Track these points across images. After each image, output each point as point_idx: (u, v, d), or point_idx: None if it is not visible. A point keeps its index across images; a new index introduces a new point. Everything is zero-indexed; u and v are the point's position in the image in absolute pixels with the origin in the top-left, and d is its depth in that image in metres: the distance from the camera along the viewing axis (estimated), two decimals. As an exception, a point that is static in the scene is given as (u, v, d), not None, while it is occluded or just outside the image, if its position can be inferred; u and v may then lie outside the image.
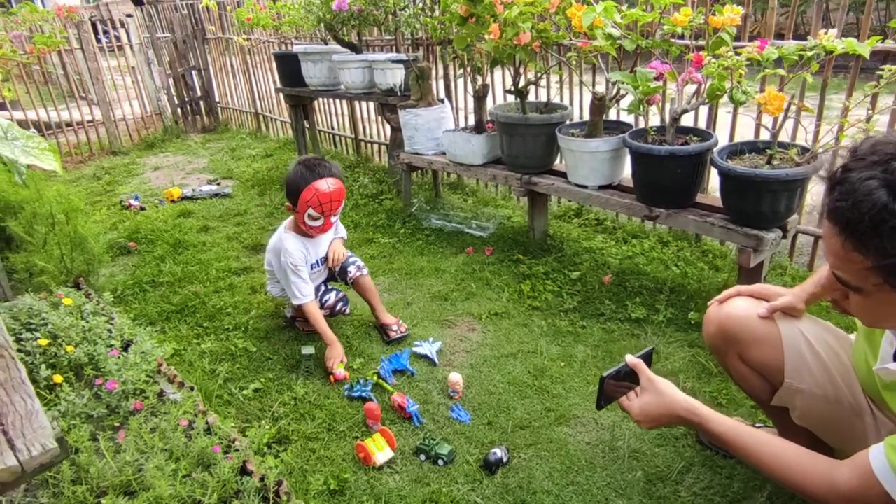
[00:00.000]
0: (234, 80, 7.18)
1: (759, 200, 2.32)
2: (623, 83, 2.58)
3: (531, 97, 3.32)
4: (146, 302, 3.15)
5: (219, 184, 5.33)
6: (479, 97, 3.47)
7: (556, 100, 3.51)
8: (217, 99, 7.63)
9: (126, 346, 2.47)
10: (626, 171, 2.87)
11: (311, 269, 2.67)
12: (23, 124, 6.47)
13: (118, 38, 7.32)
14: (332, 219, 2.60)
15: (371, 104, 5.01)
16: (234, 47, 6.79)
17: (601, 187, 2.95)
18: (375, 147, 5.36)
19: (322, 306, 2.68)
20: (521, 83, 3.13)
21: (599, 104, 2.84)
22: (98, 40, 7.11)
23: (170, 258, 3.65)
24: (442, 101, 3.80)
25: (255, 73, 6.68)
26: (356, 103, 5.28)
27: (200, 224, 4.24)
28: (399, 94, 4.02)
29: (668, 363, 2.36)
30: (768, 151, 2.42)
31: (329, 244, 2.75)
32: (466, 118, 4.41)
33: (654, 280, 2.90)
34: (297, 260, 2.55)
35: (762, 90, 2.65)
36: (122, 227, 4.27)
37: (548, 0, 2.67)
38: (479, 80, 3.69)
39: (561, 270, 3.09)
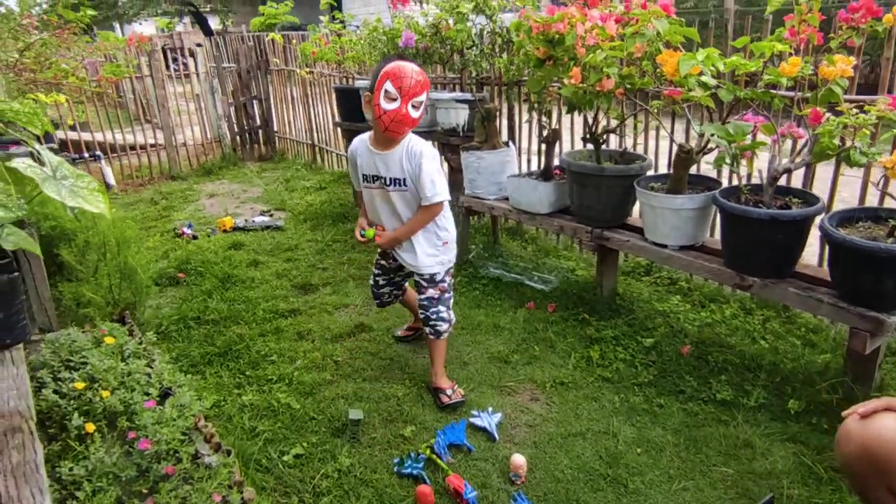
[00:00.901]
0: (293, 111, 7.22)
1: (880, 278, 2.01)
2: (716, 136, 2.33)
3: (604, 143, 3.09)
4: (190, 340, 3.02)
5: (271, 215, 5.27)
6: (549, 142, 3.26)
7: (631, 148, 3.27)
8: (275, 128, 7.69)
9: (164, 396, 2.31)
10: (711, 232, 2.59)
11: (364, 179, 2.43)
12: (90, 146, 6.64)
13: (186, 66, 7.50)
14: (412, 112, 2.20)
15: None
16: (296, 79, 6.83)
17: (683, 248, 2.67)
18: (431, 185, 5.20)
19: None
20: (597, 130, 2.91)
21: (686, 158, 2.59)
22: (167, 67, 7.31)
23: (217, 293, 3.54)
24: (507, 144, 3.61)
25: (314, 105, 6.69)
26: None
27: (250, 258, 4.13)
28: (461, 134, 3.86)
29: (765, 462, 2.04)
30: (891, 221, 2.11)
31: (398, 165, 2.29)
32: (529, 161, 4.20)
33: (740, 355, 2.59)
34: (351, 152, 2.48)
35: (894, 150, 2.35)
36: (174, 255, 4.21)
37: (632, 44, 2.46)
38: (549, 124, 3.50)
39: (633, 336, 2.80)
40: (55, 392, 2.27)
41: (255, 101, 7.52)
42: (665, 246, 2.69)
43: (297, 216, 5.11)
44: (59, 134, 6.83)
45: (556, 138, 3.28)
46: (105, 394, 2.24)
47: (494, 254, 3.84)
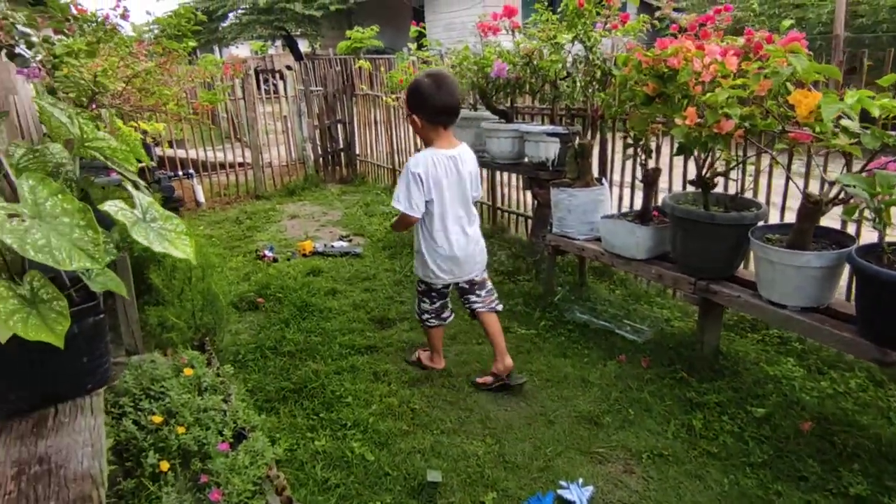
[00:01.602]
0: (376, 135, 7.27)
1: None
2: (855, 188, 2.03)
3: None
4: (266, 372, 2.97)
5: (350, 240, 5.25)
6: (648, 182, 3.02)
7: (741, 193, 2.98)
8: (357, 152, 7.78)
9: (238, 437, 2.24)
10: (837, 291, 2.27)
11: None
12: (185, 164, 6.93)
13: (276, 88, 7.75)
14: None
15: (513, 174, 4.70)
16: (380, 104, 6.88)
17: (805, 310, 2.36)
18: (513, 218, 5.03)
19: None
20: (708, 174, 2.65)
21: (814, 209, 2.29)
22: (259, 88, 7.59)
23: (294, 323, 3.49)
24: (600, 181, 3.39)
25: (396, 130, 6.71)
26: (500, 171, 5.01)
27: (329, 286, 4.09)
28: (551, 168, 3.68)
29: (918, 582, 1.71)
30: None
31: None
32: (620, 200, 3.96)
33: (875, 439, 2.23)
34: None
35: None
36: (254, 279, 4.24)
37: (757, 81, 2.21)
38: (648, 163, 3.26)
39: (740, 403, 2.50)
40: (134, 422, 2.25)
41: (339, 125, 7.64)
42: (784, 306, 2.39)
43: (375, 243, 5.07)
44: (158, 151, 7.21)
45: (657, 178, 3.03)
46: (181, 430, 2.18)
47: (581, 297, 3.61)
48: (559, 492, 2.07)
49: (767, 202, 3.11)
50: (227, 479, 1.88)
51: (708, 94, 2.23)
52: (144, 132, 2.82)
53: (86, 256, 1.14)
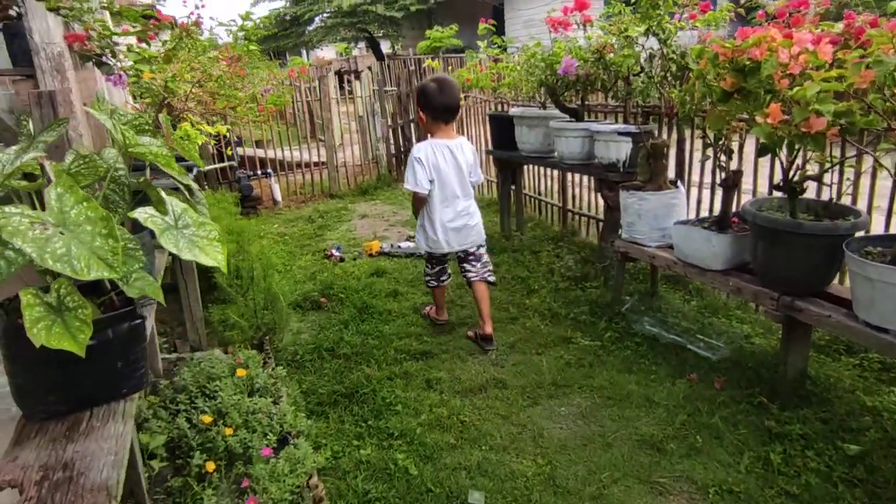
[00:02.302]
0: (448, 135, 7.22)
1: None
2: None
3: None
4: (321, 374, 2.96)
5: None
6: (728, 186, 2.76)
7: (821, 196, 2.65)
8: (430, 151, 7.76)
9: (282, 441, 2.24)
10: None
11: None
12: (264, 163, 7.17)
13: (351, 89, 7.88)
14: None
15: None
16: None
17: (912, 335, 2.05)
18: (584, 220, 4.82)
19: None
20: (795, 178, 2.37)
21: (924, 219, 1.98)
22: (342, 88, 7.75)
23: (353, 324, 3.49)
24: (675, 184, 3.15)
25: (468, 130, 6.62)
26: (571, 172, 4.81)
27: (391, 287, 4.07)
28: (622, 170, 3.46)
29: None
30: None
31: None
32: (699, 205, 3.67)
33: None
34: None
35: None
36: (320, 278, 4.29)
37: (857, 72, 1.93)
38: (728, 164, 2.98)
39: (829, 437, 2.22)
40: (187, 420, 2.30)
41: (412, 124, 7.66)
42: (886, 330, 2.09)
43: (441, 244, 5.00)
44: (239, 151, 7.52)
45: (738, 182, 2.76)
46: (228, 431, 2.20)
47: (652, 307, 3.37)
48: (612, 524, 1.91)
49: (869, 210, 2.77)
50: (264, 486, 1.87)
51: (796, 89, 1.98)
52: (211, 135, 2.88)
53: (104, 265, 1.13)
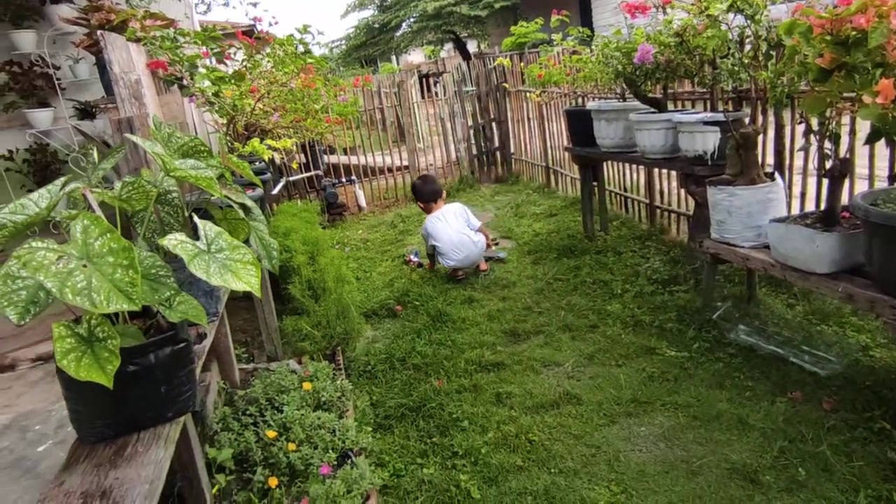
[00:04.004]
0: (529, 133, 7.03)
1: None
2: None
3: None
4: (391, 386, 2.93)
5: (497, 244, 5.09)
6: (835, 177, 2.41)
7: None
8: (511, 150, 7.60)
9: (343, 457, 2.20)
10: None
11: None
12: (349, 170, 7.34)
13: (437, 91, 7.88)
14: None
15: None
16: (531, 101, 6.62)
17: None
18: (673, 217, 4.47)
19: None
20: (918, 164, 2.01)
21: None
22: (429, 91, 7.76)
23: (426, 333, 3.43)
24: (771, 176, 2.81)
25: (548, 126, 6.40)
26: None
27: (466, 294, 3.98)
28: (710, 162, 3.15)
29: None
30: None
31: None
32: (803, 198, 3.27)
33: None
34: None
35: None
36: (397, 285, 4.28)
37: None
38: (836, 153, 2.61)
39: (970, 473, 1.86)
40: (255, 433, 2.33)
41: (493, 124, 7.53)
42: None
43: (521, 247, 4.85)
44: (334, 159, 7.75)
45: (846, 171, 2.41)
46: (291, 447, 2.20)
47: (748, 313, 3.04)
48: (693, 568, 1.69)
49: None
50: (319, 509, 1.84)
51: (912, 61, 1.67)
52: (276, 149, 2.92)
53: (123, 297, 1.12)
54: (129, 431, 1.44)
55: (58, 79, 4.25)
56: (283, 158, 3.52)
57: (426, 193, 4.57)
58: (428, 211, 4.52)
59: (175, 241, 1.33)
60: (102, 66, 3.74)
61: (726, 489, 1.99)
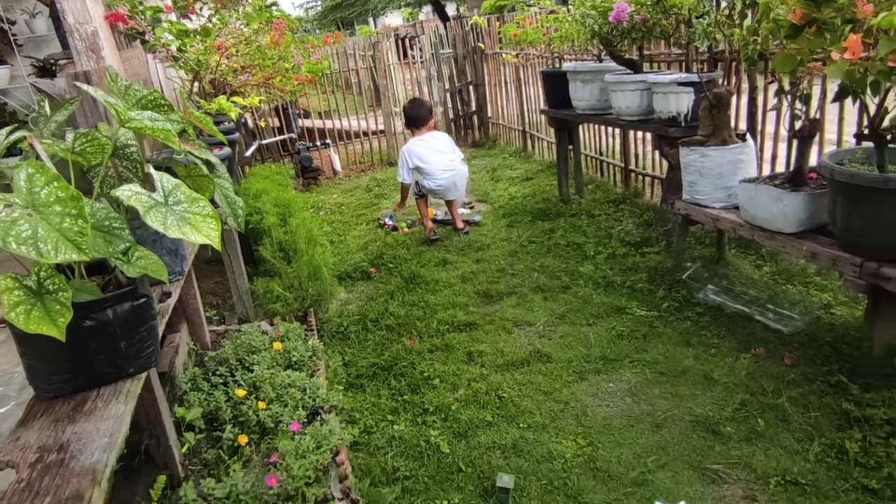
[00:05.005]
0: (506, 97, 6.95)
1: None
2: None
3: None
4: (363, 346, 2.93)
5: (472, 207, 5.08)
6: (804, 137, 2.43)
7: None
8: (489, 114, 7.52)
9: (313, 415, 2.21)
10: None
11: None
12: (323, 134, 7.20)
13: (412, 54, 7.73)
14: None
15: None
16: (508, 63, 6.53)
17: None
18: (648, 180, 4.49)
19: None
20: (882, 123, 2.03)
21: None
22: (405, 55, 7.61)
23: (399, 295, 3.42)
24: (743, 137, 2.82)
25: (525, 90, 6.33)
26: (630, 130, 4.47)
27: (440, 256, 3.97)
28: (683, 124, 3.15)
29: None
30: None
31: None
32: (774, 161, 3.29)
33: None
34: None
35: None
36: (371, 248, 4.25)
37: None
38: (806, 113, 2.62)
39: (920, 423, 1.93)
40: (224, 392, 2.32)
41: (470, 87, 7.43)
42: None
43: (496, 210, 4.84)
44: (308, 122, 7.59)
45: (815, 132, 2.42)
46: (261, 405, 2.20)
47: (717, 273, 3.08)
48: (653, 515, 1.74)
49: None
50: (287, 463, 1.84)
51: (882, 15, 1.66)
52: (244, 107, 2.84)
53: (73, 247, 1.08)
54: (88, 387, 1.42)
55: (13, 35, 4.06)
56: (253, 117, 3.42)
57: (413, 117, 4.46)
58: (413, 133, 4.49)
59: (129, 193, 1.28)
60: (58, 19, 3.58)
61: (689, 440, 2.04)
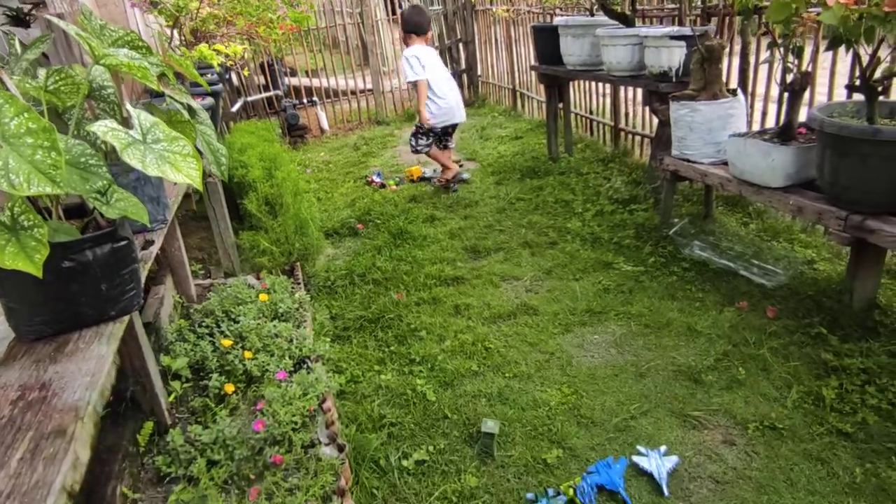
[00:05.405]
0: (496, 55, 6.82)
1: None
2: None
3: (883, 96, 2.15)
4: (351, 300, 2.93)
5: (461, 166, 5.03)
6: (795, 90, 2.41)
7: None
8: (479, 73, 7.39)
9: (300, 364, 2.22)
10: None
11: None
12: (310, 92, 7.06)
13: (401, 11, 7.53)
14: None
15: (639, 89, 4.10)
16: (500, 19, 6.39)
17: None
18: (637, 139, 4.46)
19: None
20: (874, 74, 2.02)
21: None
22: (394, 12, 7.39)
23: (387, 250, 3.41)
24: (734, 92, 2.79)
25: (516, 47, 6.21)
26: (621, 86, 4.41)
27: (428, 212, 3.94)
28: (675, 79, 3.11)
29: None
30: None
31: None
32: (764, 118, 3.27)
33: None
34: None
35: None
36: (359, 205, 4.22)
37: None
38: (798, 66, 2.60)
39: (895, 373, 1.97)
40: (211, 343, 2.31)
41: (460, 45, 7.28)
42: (973, 251, 1.78)
43: (484, 168, 4.81)
44: (295, 81, 7.42)
45: (806, 85, 2.40)
46: (247, 355, 2.20)
47: (704, 230, 3.09)
48: (634, 458, 1.78)
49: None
50: (274, 410, 1.85)
51: (878, -40, 1.63)
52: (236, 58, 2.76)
53: (46, 180, 1.05)
54: (69, 329, 1.40)
55: (-16, -21, 3.88)
56: (238, 72, 3.32)
57: (415, 22, 4.20)
58: (408, 44, 4.24)
59: (105, 128, 1.24)
60: (31, -39, 3.41)
61: (671, 389, 2.07)
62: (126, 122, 1.81)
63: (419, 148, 4.33)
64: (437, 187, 4.45)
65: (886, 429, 1.79)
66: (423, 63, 4.06)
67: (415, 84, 4.10)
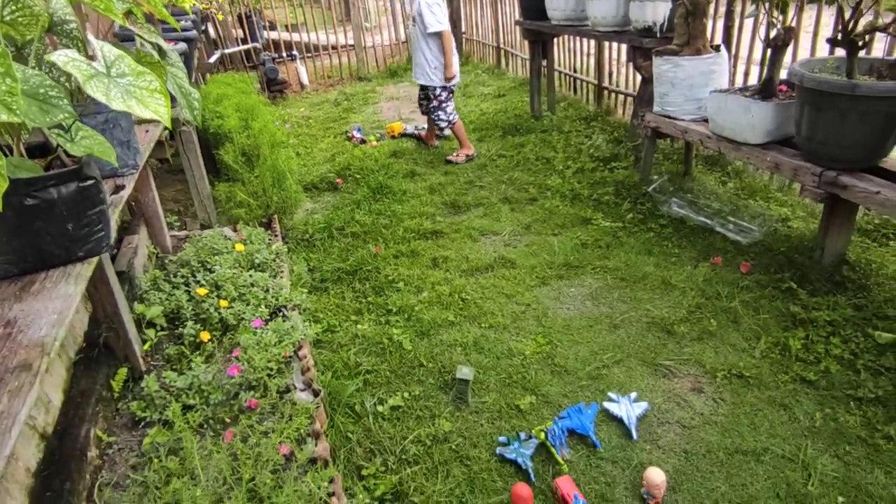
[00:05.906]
0: (480, 12, 6.68)
1: None
2: None
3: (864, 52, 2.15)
4: (329, 252, 2.91)
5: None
6: (777, 46, 2.39)
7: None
8: (463, 30, 7.24)
9: (276, 312, 2.21)
10: None
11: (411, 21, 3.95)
12: (290, 46, 6.87)
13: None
14: None
15: (623, 46, 4.05)
16: (486, -28, 6.24)
17: (972, 211, 1.78)
18: (621, 98, 4.43)
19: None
20: (856, 28, 2.01)
21: None
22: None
23: (366, 204, 3.38)
24: (717, 48, 2.77)
25: (500, 4, 6.08)
26: (605, 42, 4.36)
27: (408, 168, 3.91)
28: (659, 35, 3.07)
29: None
30: None
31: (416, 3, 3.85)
32: (746, 76, 3.26)
33: None
34: None
35: None
36: (339, 160, 4.16)
37: None
38: (782, 21, 2.58)
39: (860, 325, 2.02)
40: (186, 292, 2.29)
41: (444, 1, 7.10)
42: (941, 206, 1.82)
43: (467, 125, 4.74)
44: (274, 35, 7.21)
45: (789, 41, 2.39)
46: (223, 303, 2.19)
47: (682, 188, 3.11)
48: (605, 404, 1.82)
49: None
50: (249, 356, 1.85)
51: None
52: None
53: (2, 107, 1.00)
54: (36, 269, 1.37)
55: None
56: (207, 6, 3.20)
57: None
58: None
59: (66, 58, 1.19)
60: None
61: (644, 339, 2.11)
62: (92, 61, 1.74)
63: (452, 118, 3.98)
64: (459, 164, 3.97)
65: (847, 377, 1.85)
66: (442, 8, 3.83)
67: (439, 34, 3.77)
